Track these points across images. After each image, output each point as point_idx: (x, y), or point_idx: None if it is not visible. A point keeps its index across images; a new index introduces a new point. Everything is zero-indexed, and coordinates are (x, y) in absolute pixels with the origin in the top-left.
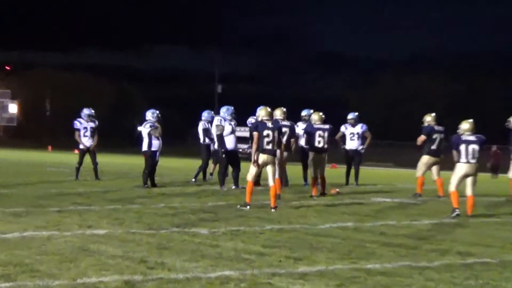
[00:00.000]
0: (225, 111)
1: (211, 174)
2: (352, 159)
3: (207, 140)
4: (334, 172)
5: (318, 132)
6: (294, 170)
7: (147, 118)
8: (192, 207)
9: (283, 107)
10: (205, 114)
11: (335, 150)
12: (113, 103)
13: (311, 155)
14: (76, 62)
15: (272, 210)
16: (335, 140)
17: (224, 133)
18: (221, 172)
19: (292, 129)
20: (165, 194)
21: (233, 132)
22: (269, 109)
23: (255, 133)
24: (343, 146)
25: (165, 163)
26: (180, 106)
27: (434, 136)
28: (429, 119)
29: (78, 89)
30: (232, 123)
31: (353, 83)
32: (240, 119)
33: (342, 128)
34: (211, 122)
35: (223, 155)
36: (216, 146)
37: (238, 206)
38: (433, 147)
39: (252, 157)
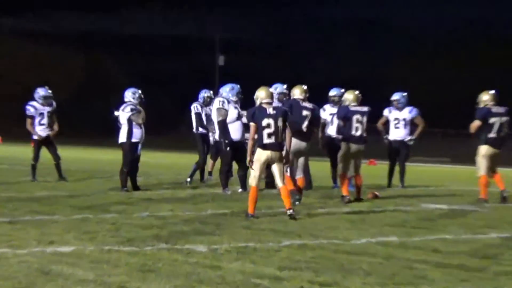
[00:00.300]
0: (228, 90)
1: (210, 173)
2: (397, 153)
3: (201, 129)
4: (373, 170)
5: (355, 117)
6: (319, 167)
7: (126, 100)
8: (186, 217)
9: (304, 84)
10: (203, 95)
11: (374, 141)
12: (81, 80)
13: (344, 147)
14: (31, 28)
15: (289, 212)
16: (377, 128)
17: (228, 120)
18: (224, 171)
19: (315, 114)
20: (151, 200)
21: (239, 118)
22: (270, 90)
23: (251, 124)
24: (385, 136)
25: (150, 159)
26: (170, 84)
27: (492, 120)
28: (485, 98)
29: (34, 62)
30: (238, 106)
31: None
32: (248, 101)
33: (385, 112)
34: (209, 104)
35: (227, 148)
36: (216, 136)
37: (249, 215)
38: (491, 134)
39: (248, 155)
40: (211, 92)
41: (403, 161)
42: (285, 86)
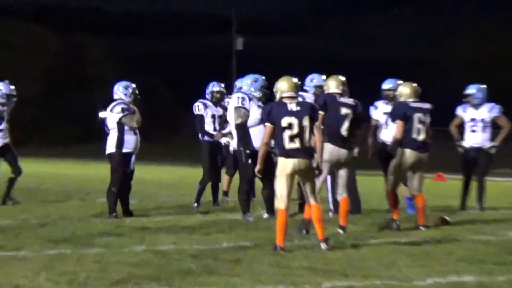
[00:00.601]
0: (250, 83)
1: (226, 193)
2: (473, 165)
3: (207, 136)
4: (441, 186)
5: (416, 115)
6: (370, 183)
7: (116, 97)
8: (194, 252)
9: (342, 75)
10: (211, 89)
11: (444, 148)
12: (54, 70)
13: (400, 154)
14: None
15: (323, 246)
16: (450, 132)
17: (250, 122)
18: (244, 190)
19: (357, 112)
20: (148, 229)
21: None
22: (294, 80)
23: (266, 124)
24: (459, 142)
25: (146, 174)
26: (173, 75)
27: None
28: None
29: None
30: (261, 104)
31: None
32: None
33: (459, 111)
34: (219, 102)
35: (248, 161)
36: (234, 144)
37: (277, 248)
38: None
39: (258, 163)
40: (223, 85)
41: (482, 175)
42: (323, 77)
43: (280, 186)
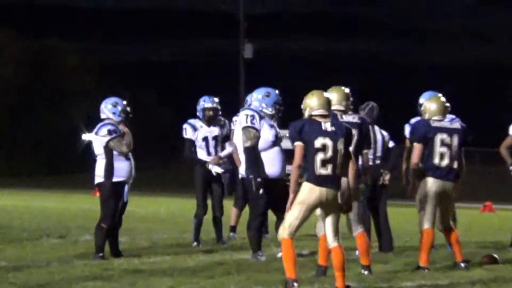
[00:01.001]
0: (261, 98)
1: (234, 228)
2: None
3: (202, 158)
4: (489, 218)
5: (439, 137)
6: (406, 215)
7: (103, 116)
8: None
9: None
10: (201, 100)
11: (491, 174)
12: (21, 81)
13: (426, 183)
14: None
15: None
16: (503, 154)
17: (261, 145)
18: (255, 225)
19: (362, 131)
20: (140, 272)
21: (278, 141)
22: (326, 95)
23: (297, 144)
24: (511, 164)
25: (138, 207)
26: (169, 88)
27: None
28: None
29: None
30: (276, 123)
31: None
32: (291, 115)
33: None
34: (213, 122)
35: (259, 190)
36: (242, 171)
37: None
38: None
39: (291, 190)
40: (216, 100)
41: None
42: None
43: (293, 215)
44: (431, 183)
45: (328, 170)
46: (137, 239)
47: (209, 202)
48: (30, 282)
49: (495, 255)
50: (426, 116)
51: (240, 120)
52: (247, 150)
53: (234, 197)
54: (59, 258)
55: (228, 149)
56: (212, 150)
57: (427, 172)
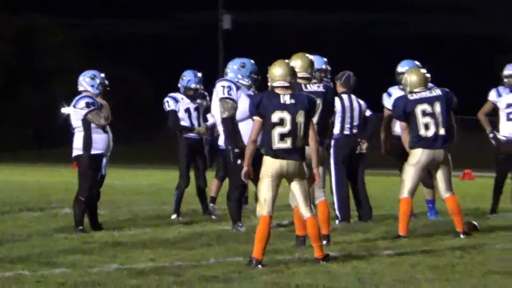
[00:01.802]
0: (238, 69)
1: (214, 200)
2: (510, 160)
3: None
4: (468, 186)
5: (419, 108)
6: (384, 184)
7: (81, 89)
8: (177, 270)
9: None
10: (186, 77)
11: (469, 140)
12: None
13: (416, 155)
14: None
15: (322, 262)
16: (482, 121)
17: (238, 116)
18: (234, 196)
19: (327, 100)
20: (121, 244)
21: None
22: (289, 64)
23: (255, 118)
24: (491, 132)
25: (118, 180)
26: (147, 61)
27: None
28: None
29: None
30: (252, 93)
31: None
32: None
33: (492, 95)
34: (195, 97)
35: (236, 161)
36: (221, 142)
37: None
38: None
39: (245, 163)
40: (200, 75)
41: None
42: (325, 59)
43: (264, 189)
44: (420, 153)
45: (287, 144)
46: (117, 211)
47: (191, 174)
48: (11, 255)
49: (475, 222)
50: (408, 89)
51: (217, 91)
52: (224, 121)
53: (216, 168)
54: (39, 231)
55: (211, 120)
56: (195, 121)
57: (415, 144)
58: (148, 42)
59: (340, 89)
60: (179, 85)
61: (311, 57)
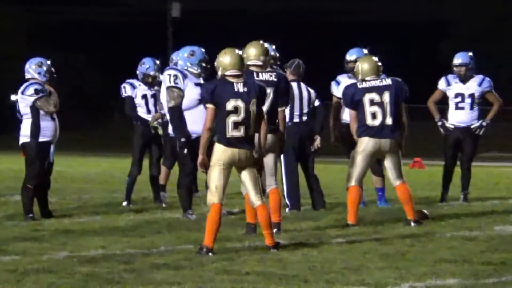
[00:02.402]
0: (186, 56)
1: (163, 187)
2: (458, 148)
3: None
4: (418, 174)
5: (367, 97)
6: (334, 171)
7: (28, 76)
8: (127, 257)
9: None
10: (146, 64)
11: (420, 129)
12: None
13: (359, 143)
14: None
15: (273, 250)
16: (431, 109)
17: (185, 104)
18: (184, 185)
19: (280, 88)
20: (71, 232)
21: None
22: (238, 52)
23: (208, 106)
24: (440, 121)
25: (67, 167)
26: (96, 48)
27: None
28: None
29: None
30: (201, 81)
31: None
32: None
33: (441, 84)
34: (153, 85)
35: (184, 150)
36: (170, 130)
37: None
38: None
39: (200, 152)
40: (158, 63)
41: (469, 160)
42: (273, 46)
43: (215, 177)
44: (366, 142)
45: (240, 132)
46: (67, 199)
47: (144, 162)
48: None
49: (425, 211)
50: (359, 77)
51: (164, 80)
52: (170, 110)
53: (164, 156)
54: None
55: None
56: (152, 107)
57: (362, 132)
58: (96, 29)
59: (290, 77)
60: (137, 71)
61: (266, 45)
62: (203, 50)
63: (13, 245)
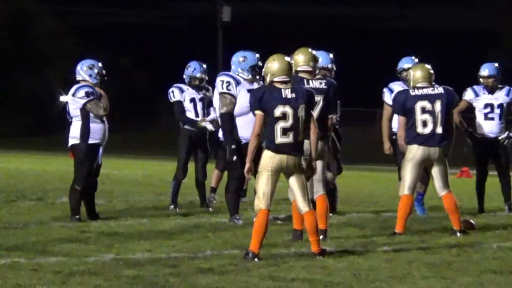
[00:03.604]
0: (239, 62)
1: (214, 190)
2: (488, 158)
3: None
4: (465, 184)
5: (419, 105)
6: (382, 179)
7: (79, 78)
8: (173, 261)
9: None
10: (192, 67)
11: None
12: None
13: (411, 151)
14: None
15: (319, 257)
16: (456, 120)
17: (237, 111)
18: (232, 189)
19: (329, 96)
20: (117, 234)
21: None
22: (287, 59)
23: (257, 113)
24: (467, 130)
25: (115, 170)
26: (143, 51)
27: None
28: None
29: None
30: (255, 87)
31: None
32: None
33: (468, 95)
34: (200, 88)
35: (233, 157)
36: (221, 135)
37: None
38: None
39: (248, 159)
40: (204, 66)
41: (505, 170)
42: (331, 55)
43: (263, 183)
44: (415, 150)
45: (289, 138)
46: (114, 201)
47: (190, 165)
48: (7, 244)
49: (472, 221)
50: (411, 84)
51: (217, 86)
52: (222, 116)
53: (216, 159)
54: (36, 220)
55: (212, 114)
56: (200, 111)
57: (411, 140)
58: (144, 32)
59: None
60: (184, 75)
61: (314, 52)
62: (257, 55)
63: (59, 246)
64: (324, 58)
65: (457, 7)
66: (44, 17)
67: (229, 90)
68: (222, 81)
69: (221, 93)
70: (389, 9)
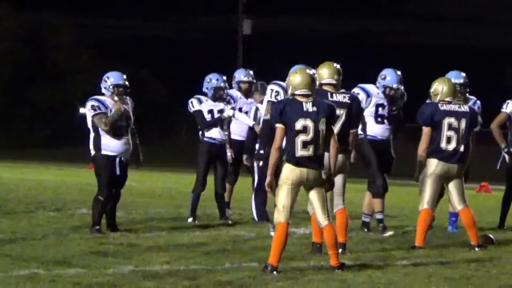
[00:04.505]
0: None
1: (227, 204)
2: None
3: (208, 134)
4: (485, 199)
5: (446, 121)
6: (403, 193)
7: (103, 89)
8: (192, 274)
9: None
10: (213, 78)
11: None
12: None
13: (431, 165)
14: None
15: (338, 270)
16: (496, 133)
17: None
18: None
19: (352, 110)
20: (136, 246)
21: None
22: (310, 72)
23: (278, 126)
24: (504, 146)
25: (134, 182)
26: (164, 64)
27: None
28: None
29: None
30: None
31: None
32: None
33: (507, 107)
34: (219, 99)
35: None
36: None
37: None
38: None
39: (268, 173)
40: (224, 78)
41: None
42: (398, 72)
43: (283, 196)
44: (435, 165)
45: (309, 151)
46: (134, 213)
47: (209, 178)
48: (26, 254)
49: (491, 236)
50: (437, 98)
51: (266, 93)
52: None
53: (228, 173)
54: (54, 231)
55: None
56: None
57: (432, 154)
58: (164, 44)
59: (260, 98)
60: (204, 89)
61: (338, 66)
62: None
63: (78, 258)
64: (392, 77)
65: (476, 24)
66: (63, 30)
67: (277, 99)
68: (272, 90)
69: (268, 101)
70: (409, 24)
